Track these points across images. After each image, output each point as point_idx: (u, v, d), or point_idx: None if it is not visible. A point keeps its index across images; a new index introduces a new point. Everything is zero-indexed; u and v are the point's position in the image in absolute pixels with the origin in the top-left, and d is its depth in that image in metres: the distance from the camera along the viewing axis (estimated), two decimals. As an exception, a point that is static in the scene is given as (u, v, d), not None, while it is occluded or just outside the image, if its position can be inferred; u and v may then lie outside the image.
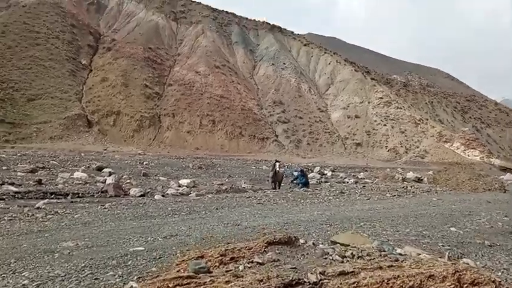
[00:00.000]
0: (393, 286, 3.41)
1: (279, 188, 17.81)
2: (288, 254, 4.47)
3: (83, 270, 4.44)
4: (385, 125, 64.71)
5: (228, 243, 5.28)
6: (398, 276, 3.46)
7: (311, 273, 3.64)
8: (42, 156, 26.22)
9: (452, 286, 3.41)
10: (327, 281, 3.54)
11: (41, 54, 51.22)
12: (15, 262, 4.96)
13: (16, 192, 12.40)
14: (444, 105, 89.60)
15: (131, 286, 3.75)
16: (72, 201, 11.66)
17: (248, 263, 4.06)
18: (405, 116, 66.88)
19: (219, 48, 73.19)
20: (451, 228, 7.83)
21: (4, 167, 18.98)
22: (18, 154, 26.84)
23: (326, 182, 23.69)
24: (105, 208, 10.16)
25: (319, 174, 28.29)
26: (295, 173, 22.90)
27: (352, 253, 4.39)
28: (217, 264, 4.12)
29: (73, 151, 34.25)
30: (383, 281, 3.44)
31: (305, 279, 3.55)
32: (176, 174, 22.04)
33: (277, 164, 18.29)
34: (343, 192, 15.15)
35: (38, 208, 9.88)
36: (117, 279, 4.11)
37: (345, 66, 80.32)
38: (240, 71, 72.06)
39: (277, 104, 65.63)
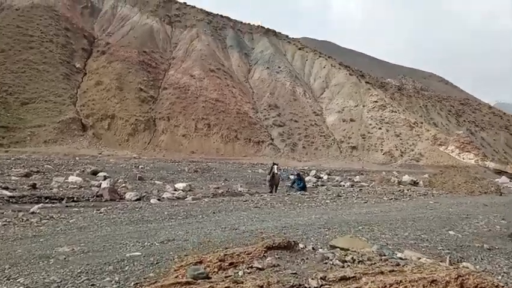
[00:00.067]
0: (395, 291, 3.37)
1: (275, 192, 17.73)
2: (287, 259, 4.42)
3: (79, 276, 4.36)
4: (380, 128, 64.87)
5: (226, 248, 5.22)
6: (401, 281, 3.42)
7: (312, 279, 3.60)
8: (36, 160, 26.01)
9: (455, 291, 3.38)
10: (328, 286, 3.50)
11: (35, 58, 50.88)
12: (9, 268, 4.87)
13: (10, 197, 12.25)
14: (438, 108, 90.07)
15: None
16: (67, 206, 11.54)
17: (247, 269, 4.00)
18: (400, 119, 67.11)
19: (213, 51, 73.14)
20: (450, 232, 7.82)
21: (-2, 171, 18.79)
22: (12, 158, 26.62)
23: (322, 185, 23.66)
24: (100, 212, 10.06)
25: (315, 177, 28.26)
26: (292, 177, 22.84)
27: (352, 258, 4.35)
28: (216, 269, 4.06)
29: (68, 155, 34.03)
30: (385, 286, 3.40)
31: (306, 285, 3.50)
32: (172, 178, 21.92)
33: (275, 166, 18.18)
34: (340, 196, 15.13)
35: (32, 213, 9.75)
36: (114, 285, 4.04)
37: (339, 70, 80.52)
38: (235, 74, 72.01)
39: (272, 107, 65.63)
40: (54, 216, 9.38)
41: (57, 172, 20.60)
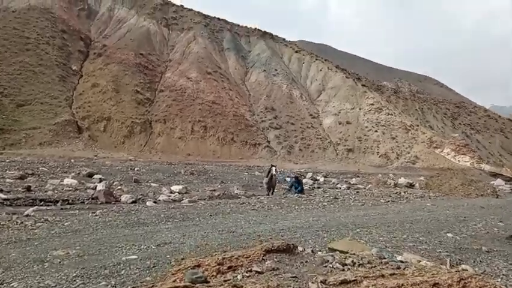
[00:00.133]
0: (397, 295, 3.32)
1: (272, 194, 17.67)
2: (287, 262, 4.36)
3: (74, 280, 4.28)
4: (376, 131, 65.02)
5: (224, 251, 5.16)
6: (402, 284, 3.37)
7: (312, 282, 3.54)
8: (31, 163, 25.82)
9: (457, 294, 3.33)
10: (328, 290, 3.44)
11: (31, 60, 50.65)
12: (3, 272, 4.78)
13: (4, 199, 12.14)
14: (434, 111, 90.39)
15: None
16: (62, 209, 11.44)
17: (246, 272, 3.94)
18: (396, 122, 67.29)
19: (210, 54, 73.17)
20: (448, 234, 7.80)
21: (-8, 174, 18.62)
22: (7, 160, 26.41)
23: (318, 187, 23.65)
24: (96, 215, 9.96)
25: (311, 180, 28.24)
26: (288, 179, 22.81)
27: (353, 261, 4.29)
28: (214, 273, 3.99)
29: (63, 157, 33.82)
30: (387, 289, 3.34)
31: (306, 289, 3.44)
32: (168, 181, 21.82)
33: (274, 168, 18.14)
34: (337, 198, 15.08)
35: (27, 215, 9.65)
36: (110, 290, 3.97)
37: (336, 73, 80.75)
38: (231, 77, 72.03)
39: (269, 110, 65.66)
40: (49, 219, 9.27)
41: (52, 174, 20.46)
